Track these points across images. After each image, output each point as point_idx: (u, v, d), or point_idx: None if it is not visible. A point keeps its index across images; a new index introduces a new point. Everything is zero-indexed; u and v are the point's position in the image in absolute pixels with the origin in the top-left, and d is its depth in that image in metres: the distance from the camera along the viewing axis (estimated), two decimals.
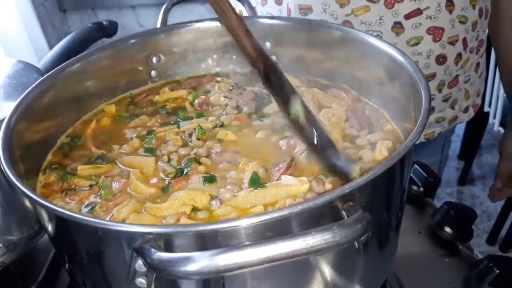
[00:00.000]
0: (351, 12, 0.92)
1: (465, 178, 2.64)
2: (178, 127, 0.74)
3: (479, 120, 2.51)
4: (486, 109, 2.54)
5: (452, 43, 0.96)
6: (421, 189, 0.87)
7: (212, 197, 0.59)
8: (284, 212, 0.43)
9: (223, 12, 0.63)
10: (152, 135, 0.72)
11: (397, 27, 0.92)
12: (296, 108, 0.61)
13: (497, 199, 1.21)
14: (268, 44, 0.85)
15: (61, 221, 0.52)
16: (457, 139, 2.79)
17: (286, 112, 0.62)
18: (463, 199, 2.54)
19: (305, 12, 0.95)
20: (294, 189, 0.58)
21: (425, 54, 0.95)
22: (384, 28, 0.92)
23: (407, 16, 0.91)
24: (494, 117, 2.55)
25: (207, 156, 0.67)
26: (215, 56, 0.89)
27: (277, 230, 0.44)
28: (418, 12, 0.91)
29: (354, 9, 0.92)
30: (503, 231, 2.21)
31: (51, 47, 1.10)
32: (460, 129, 2.74)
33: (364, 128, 0.70)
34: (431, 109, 1.03)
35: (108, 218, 0.58)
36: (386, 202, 0.55)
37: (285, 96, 0.62)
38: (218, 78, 0.88)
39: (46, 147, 0.72)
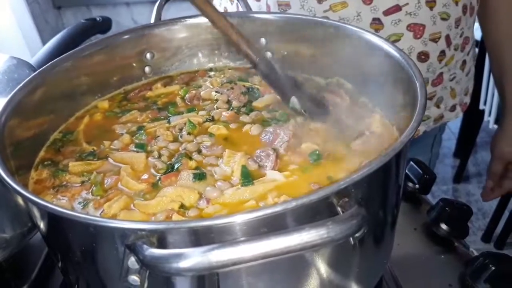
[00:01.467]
0: (329, 8, 0.91)
1: (460, 176, 2.64)
2: (169, 122, 0.73)
3: (475, 118, 2.51)
4: (481, 106, 2.55)
5: (435, 40, 0.95)
6: (417, 186, 0.87)
7: (201, 195, 0.58)
8: (279, 208, 0.42)
9: (214, 20, 0.73)
10: (142, 131, 0.72)
11: (376, 23, 0.91)
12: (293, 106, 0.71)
13: (490, 199, 1.21)
14: (263, 40, 0.85)
15: (52, 218, 0.51)
16: (452, 137, 2.80)
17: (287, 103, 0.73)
18: (458, 196, 2.54)
19: (284, 8, 0.95)
20: (281, 184, 0.58)
21: (406, 51, 0.93)
22: (363, 24, 0.91)
23: (386, 12, 0.90)
24: (489, 114, 2.55)
25: (198, 151, 0.66)
26: (208, 51, 0.89)
27: (271, 226, 0.43)
28: (397, 8, 0.90)
29: (332, 5, 0.91)
30: (498, 229, 2.21)
31: (45, 43, 1.09)
32: (455, 127, 2.75)
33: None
34: None
35: (98, 214, 0.57)
36: (382, 198, 0.55)
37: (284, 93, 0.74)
38: (211, 73, 0.88)
39: (39, 143, 0.71)
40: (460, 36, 1.00)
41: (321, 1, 0.91)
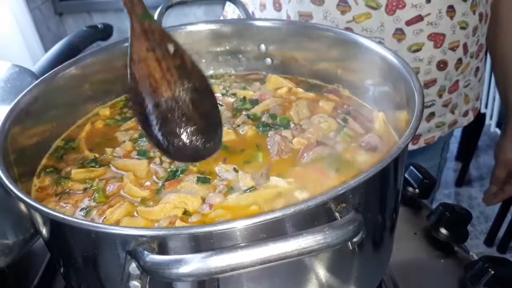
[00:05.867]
0: (352, 19, 0.92)
1: (462, 180, 2.64)
2: None
3: (476, 122, 2.51)
4: (483, 110, 2.55)
5: (453, 48, 0.96)
6: (417, 190, 0.87)
7: (204, 200, 0.59)
8: (277, 214, 0.43)
9: None
10: (144, 138, 0.72)
11: (398, 33, 0.92)
12: None
13: (492, 203, 1.22)
14: (263, 47, 0.86)
15: (55, 224, 0.52)
16: (454, 141, 2.80)
17: None
18: (460, 200, 2.54)
19: (305, 19, 0.95)
20: (284, 190, 0.59)
21: (426, 60, 0.95)
22: (386, 34, 0.92)
23: (408, 23, 0.91)
24: (491, 118, 2.56)
25: None
26: (208, 58, 0.89)
27: (270, 232, 0.44)
28: (419, 18, 0.91)
29: (355, 16, 0.91)
30: (501, 233, 2.21)
31: (46, 50, 1.10)
32: (457, 130, 2.73)
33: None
34: (431, 114, 1.03)
35: (101, 221, 0.58)
36: (380, 203, 0.55)
37: None
38: (211, 80, 0.88)
39: (41, 150, 0.72)
40: (476, 43, 1.01)
41: (344, 13, 0.92)
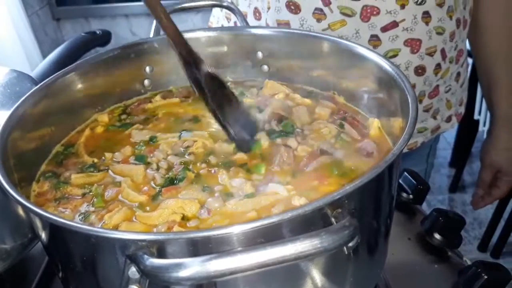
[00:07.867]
0: (328, 27, 0.93)
1: (456, 186, 2.66)
2: (179, 138, 0.73)
3: (470, 128, 2.54)
4: (476, 117, 2.57)
5: (431, 54, 0.97)
6: (411, 196, 0.88)
7: (202, 205, 0.59)
8: (274, 219, 0.44)
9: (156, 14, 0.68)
10: (142, 143, 0.72)
11: (374, 40, 0.93)
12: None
13: (480, 207, 1.23)
14: (259, 54, 0.87)
15: (55, 229, 0.52)
16: (448, 147, 2.82)
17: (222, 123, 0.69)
18: (454, 206, 2.56)
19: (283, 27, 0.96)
20: (282, 197, 0.59)
21: (403, 66, 0.96)
22: (361, 41, 0.93)
23: (384, 29, 0.92)
24: (484, 124, 2.57)
25: (199, 164, 0.67)
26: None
27: (268, 236, 0.45)
28: (394, 24, 0.92)
29: (330, 24, 0.92)
30: (494, 238, 2.22)
31: (44, 55, 1.11)
32: (451, 136, 2.77)
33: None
34: None
35: (99, 225, 0.58)
36: (375, 208, 0.56)
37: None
38: None
39: (41, 156, 0.72)
40: (455, 49, 1.02)
41: (320, 20, 0.93)
